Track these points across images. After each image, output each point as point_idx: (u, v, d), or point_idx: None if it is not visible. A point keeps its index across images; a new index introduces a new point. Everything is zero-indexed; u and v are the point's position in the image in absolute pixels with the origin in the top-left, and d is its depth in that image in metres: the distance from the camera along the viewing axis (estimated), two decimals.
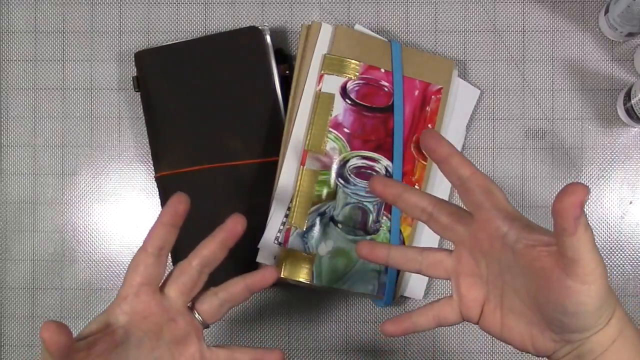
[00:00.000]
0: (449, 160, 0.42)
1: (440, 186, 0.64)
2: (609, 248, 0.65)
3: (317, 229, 0.61)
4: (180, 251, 0.64)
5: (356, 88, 0.62)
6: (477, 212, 0.43)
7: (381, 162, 0.62)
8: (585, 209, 0.65)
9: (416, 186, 0.63)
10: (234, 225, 0.48)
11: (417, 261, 0.46)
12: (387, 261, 0.46)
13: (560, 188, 0.66)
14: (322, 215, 0.61)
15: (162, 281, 0.47)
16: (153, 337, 0.46)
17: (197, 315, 0.48)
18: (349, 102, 0.62)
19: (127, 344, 0.44)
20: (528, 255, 0.40)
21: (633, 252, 0.65)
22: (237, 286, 0.49)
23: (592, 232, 0.38)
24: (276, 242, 0.61)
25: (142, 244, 0.46)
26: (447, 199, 0.65)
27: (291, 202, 0.61)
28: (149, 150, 0.65)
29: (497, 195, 0.42)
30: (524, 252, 0.40)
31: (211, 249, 0.47)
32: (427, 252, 0.46)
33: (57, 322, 0.39)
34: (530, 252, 0.40)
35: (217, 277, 0.63)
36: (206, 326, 0.49)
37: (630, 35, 0.64)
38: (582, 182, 0.65)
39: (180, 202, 0.46)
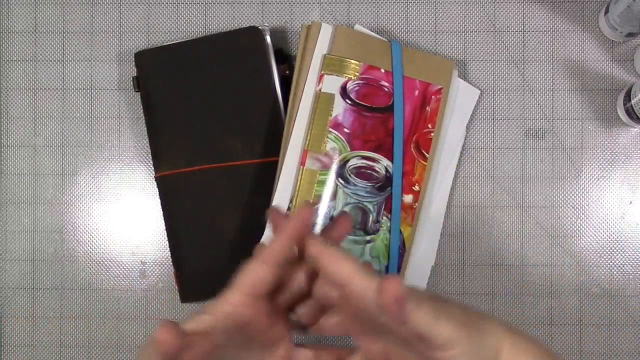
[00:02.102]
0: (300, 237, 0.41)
1: (440, 186, 0.64)
2: (609, 248, 0.65)
3: (317, 229, 0.61)
4: (181, 251, 0.64)
5: (356, 88, 0.62)
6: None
7: (381, 162, 0.62)
8: (582, 210, 0.65)
9: (416, 186, 0.63)
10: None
11: (319, 325, 0.46)
12: None
13: (560, 188, 0.66)
14: (322, 215, 0.61)
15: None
16: (248, 341, 0.44)
17: (294, 318, 0.46)
18: (349, 102, 0.62)
19: (223, 348, 0.42)
20: (393, 327, 0.39)
21: (633, 252, 0.65)
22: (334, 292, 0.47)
23: (432, 301, 0.38)
24: None
25: (260, 255, 0.43)
26: (446, 199, 0.65)
27: (291, 202, 0.61)
28: (149, 150, 0.65)
29: (345, 268, 0.40)
30: (389, 324, 0.39)
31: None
32: (326, 317, 0.46)
33: (174, 323, 0.37)
34: (390, 326, 0.39)
35: (218, 278, 0.63)
36: (304, 329, 0.47)
37: (630, 35, 0.64)
38: (582, 182, 0.65)
39: (308, 213, 0.43)
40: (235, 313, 0.42)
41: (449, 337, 0.37)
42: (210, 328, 0.41)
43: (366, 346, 0.44)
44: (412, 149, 0.63)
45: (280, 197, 0.61)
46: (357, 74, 0.62)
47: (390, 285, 0.36)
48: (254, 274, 0.42)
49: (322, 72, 0.62)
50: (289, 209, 0.61)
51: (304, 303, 0.46)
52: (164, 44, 0.65)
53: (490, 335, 0.40)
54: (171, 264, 0.64)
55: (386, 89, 0.62)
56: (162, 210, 0.64)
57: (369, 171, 0.62)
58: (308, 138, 0.61)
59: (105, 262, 0.66)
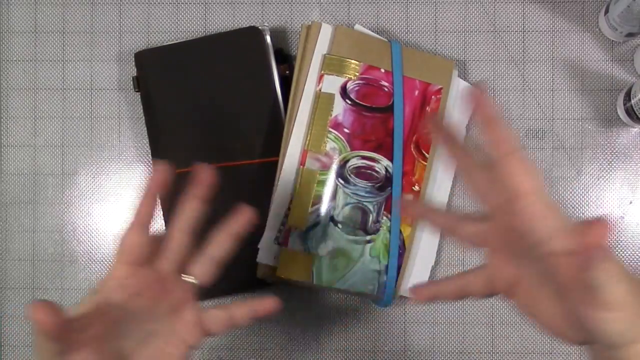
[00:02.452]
0: (492, 126, 0.39)
1: (440, 187, 0.64)
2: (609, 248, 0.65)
3: (317, 229, 0.61)
4: None
5: (356, 88, 0.62)
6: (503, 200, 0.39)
7: (381, 162, 0.62)
8: (582, 210, 0.65)
9: (416, 186, 0.63)
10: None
11: (456, 228, 0.44)
12: (426, 218, 0.45)
13: (560, 188, 0.66)
14: (322, 215, 0.61)
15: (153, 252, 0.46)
16: (148, 311, 0.45)
17: (190, 279, 0.46)
18: (349, 102, 0.62)
19: (123, 322, 0.43)
20: (549, 263, 0.37)
21: (633, 252, 0.65)
22: (224, 240, 0.48)
23: (617, 263, 0.36)
24: (276, 242, 0.61)
25: (129, 222, 0.44)
26: (446, 200, 0.65)
27: (291, 202, 0.61)
28: (149, 150, 0.65)
29: (528, 183, 0.38)
30: (546, 259, 0.38)
31: (191, 207, 0.47)
32: (466, 221, 0.43)
33: (46, 301, 0.37)
34: (551, 260, 0.37)
35: (218, 277, 0.63)
36: (200, 287, 0.47)
37: (630, 35, 0.64)
38: (582, 182, 0.65)
39: (161, 171, 0.46)
40: (122, 285, 0.43)
41: (619, 298, 0.36)
42: (104, 305, 0.42)
43: (498, 266, 0.42)
44: (412, 149, 0.63)
45: (280, 197, 0.61)
46: (357, 74, 0.62)
47: (599, 229, 0.35)
48: (128, 242, 0.43)
49: (322, 72, 0.62)
50: (289, 209, 0.61)
51: (196, 261, 0.47)
52: (164, 44, 0.65)
53: None
54: None
55: (386, 89, 0.62)
56: (162, 210, 0.64)
57: (369, 171, 0.62)
58: (308, 138, 0.61)
59: (105, 262, 0.66)
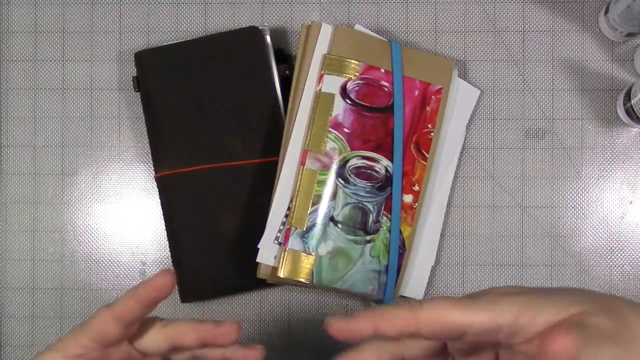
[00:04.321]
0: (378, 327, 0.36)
1: (440, 186, 0.64)
2: (609, 248, 0.65)
3: (317, 229, 0.61)
4: (181, 251, 0.64)
5: (356, 88, 0.62)
6: None
7: (381, 162, 0.62)
8: (582, 210, 0.65)
9: (416, 186, 0.63)
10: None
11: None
12: None
13: (560, 188, 0.66)
14: (322, 215, 0.61)
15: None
16: None
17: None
18: (349, 102, 0.62)
19: None
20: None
21: (633, 252, 0.65)
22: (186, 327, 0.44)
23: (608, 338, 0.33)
24: (276, 242, 0.61)
25: (111, 307, 0.41)
26: (446, 199, 0.65)
27: (291, 202, 0.61)
28: (149, 150, 0.65)
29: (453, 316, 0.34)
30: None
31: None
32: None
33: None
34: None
35: (218, 278, 0.63)
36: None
37: (630, 35, 0.64)
38: (582, 182, 0.65)
39: (164, 280, 0.41)
40: (83, 355, 0.41)
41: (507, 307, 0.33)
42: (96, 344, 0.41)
43: None
44: (412, 149, 0.63)
45: (280, 197, 0.61)
46: (357, 74, 0.62)
47: (562, 342, 0.30)
48: (102, 325, 0.41)
49: (322, 72, 0.62)
50: (289, 208, 0.61)
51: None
52: (164, 44, 0.65)
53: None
54: (171, 264, 0.64)
55: (386, 89, 0.62)
56: (162, 210, 0.64)
57: (369, 171, 0.62)
58: (308, 138, 0.61)
59: (105, 262, 0.66)
